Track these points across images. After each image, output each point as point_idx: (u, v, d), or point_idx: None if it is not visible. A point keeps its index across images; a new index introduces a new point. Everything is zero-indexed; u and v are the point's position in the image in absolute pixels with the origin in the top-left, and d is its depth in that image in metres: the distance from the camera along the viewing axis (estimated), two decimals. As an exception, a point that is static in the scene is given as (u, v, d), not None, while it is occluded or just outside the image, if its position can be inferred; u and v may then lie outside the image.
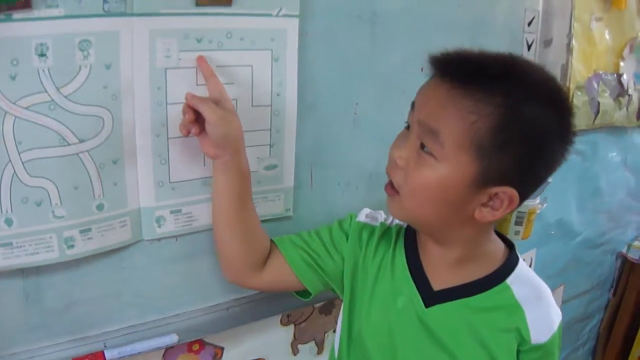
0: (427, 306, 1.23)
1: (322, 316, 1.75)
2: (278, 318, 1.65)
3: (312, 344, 1.78)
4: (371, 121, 1.55)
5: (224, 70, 1.25)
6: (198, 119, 1.18)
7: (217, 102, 1.20)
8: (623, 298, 3.34)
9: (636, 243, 3.18)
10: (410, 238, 1.30)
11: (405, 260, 1.28)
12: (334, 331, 1.74)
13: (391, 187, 1.17)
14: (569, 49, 2.15)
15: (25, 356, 1.22)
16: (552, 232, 2.56)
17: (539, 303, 1.23)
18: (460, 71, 1.06)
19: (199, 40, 1.19)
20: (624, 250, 3.19)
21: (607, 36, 2.36)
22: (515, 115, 1.02)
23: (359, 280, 1.33)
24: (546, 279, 1.30)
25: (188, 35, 1.18)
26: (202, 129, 1.19)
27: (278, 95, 1.34)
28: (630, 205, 3.09)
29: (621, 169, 2.88)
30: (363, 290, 1.32)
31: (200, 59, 1.21)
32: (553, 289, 2.59)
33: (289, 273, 1.34)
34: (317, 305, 1.70)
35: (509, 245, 1.27)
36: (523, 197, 1.11)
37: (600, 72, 2.37)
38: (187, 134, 1.20)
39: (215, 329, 1.46)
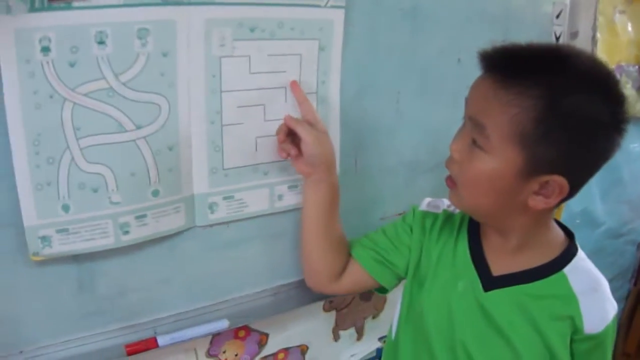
0: (485, 290, 1.24)
1: (362, 302, 1.76)
2: (321, 304, 1.66)
3: (352, 330, 1.79)
4: (412, 110, 1.55)
5: (275, 59, 1.25)
6: (293, 140, 1.27)
7: (311, 124, 1.27)
8: (644, 288, 3.34)
9: None
10: (473, 225, 1.31)
11: (467, 246, 1.29)
12: (373, 317, 1.76)
13: (450, 180, 1.19)
14: (594, 41, 2.15)
15: (78, 344, 1.22)
16: (578, 221, 2.55)
17: (595, 294, 1.21)
18: (503, 65, 1.07)
19: (252, 30, 1.19)
20: (645, 241, 3.17)
21: (629, 28, 2.35)
22: (556, 106, 1.02)
23: (422, 263, 1.35)
24: (570, 267, 1.24)
25: (242, 24, 1.17)
26: (298, 151, 1.26)
27: (323, 82, 1.34)
28: (652, 196, 3.07)
29: (643, 159, 2.85)
30: (426, 272, 1.33)
31: (294, 85, 1.29)
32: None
33: (364, 274, 1.38)
34: (359, 291, 1.70)
35: (569, 235, 1.27)
36: (576, 185, 1.10)
37: (623, 64, 2.37)
38: (287, 156, 1.28)
39: (263, 314, 1.47)
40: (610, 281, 3.04)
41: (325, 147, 1.28)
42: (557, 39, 1.94)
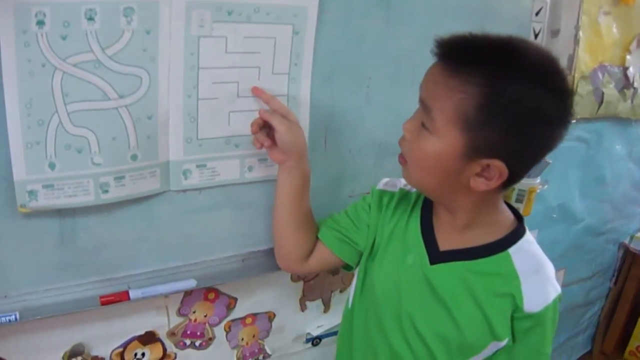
0: (432, 264, 1.36)
1: (329, 276, 1.89)
2: (289, 274, 1.79)
3: (319, 302, 1.92)
4: (382, 95, 1.67)
5: (250, 41, 1.38)
6: (268, 133, 1.40)
7: (283, 116, 1.40)
8: (624, 288, 3.44)
9: (639, 234, 3.26)
10: (427, 203, 1.44)
11: (419, 221, 1.42)
12: (340, 291, 1.90)
13: (402, 157, 1.32)
14: (576, 40, 2.25)
15: (57, 293, 1.35)
16: (555, 216, 2.66)
17: (537, 275, 1.31)
18: (452, 53, 1.18)
19: (229, 13, 1.32)
20: (627, 241, 3.28)
21: (614, 30, 2.45)
22: (499, 94, 1.11)
23: (377, 236, 1.49)
24: (546, 260, 1.38)
25: (221, 7, 1.30)
26: (272, 142, 1.40)
27: (296, 65, 1.47)
28: (635, 197, 3.17)
29: (626, 160, 2.96)
30: (379, 245, 1.48)
31: (255, 90, 1.43)
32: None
33: (329, 253, 1.53)
34: (325, 265, 1.83)
35: (519, 218, 1.38)
36: (516, 172, 1.21)
37: (606, 64, 2.47)
38: (261, 147, 1.41)
39: (231, 278, 1.60)
40: (589, 279, 3.16)
41: (297, 136, 1.41)
42: (536, 36, 2.06)
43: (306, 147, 1.46)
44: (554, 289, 1.32)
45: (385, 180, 1.56)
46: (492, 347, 1.35)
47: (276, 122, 1.37)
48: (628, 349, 3.59)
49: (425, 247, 1.38)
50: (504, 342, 1.33)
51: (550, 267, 1.34)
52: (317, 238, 1.54)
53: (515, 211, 1.40)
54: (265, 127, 1.41)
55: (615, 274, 3.41)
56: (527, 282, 1.29)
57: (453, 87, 1.15)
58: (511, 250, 1.32)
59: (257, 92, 1.43)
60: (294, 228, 1.50)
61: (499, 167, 1.17)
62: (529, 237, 1.36)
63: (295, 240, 1.51)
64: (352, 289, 1.58)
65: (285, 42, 1.44)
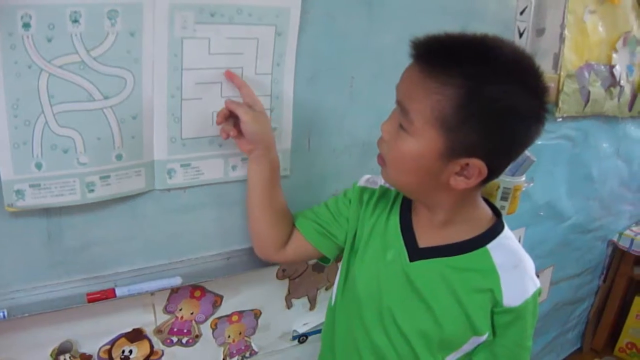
0: (411, 260, 1.39)
1: (315, 273, 1.92)
2: (274, 271, 1.82)
3: (305, 300, 1.95)
4: (366, 94, 1.71)
5: (233, 42, 1.41)
6: (236, 122, 1.42)
7: (250, 106, 1.43)
8: (613, 285, 3.49)
9: (627, 232, 3.30)
10: (406, 200, 1.47)
11: (398, 219, 1.45)
12: (326, 289, 1.92)
13: (380, 158, 1.34)
14: (562, 39, 2.29)
15: (45, 290, 1.38)
16: (542, 214, 2.70)
17: (516, 270, 1.33)
18: (428, 54, 1.19)
19: (212, 15, 1.35)
20: (615, 238, 3.32)
21: (600, 29, 2.50)
22: (475, 95, 1.13)
23: (358, 233, 1.52)
24: (535, 258, 1.40)
25: (203, 9, 1.34)
26: (239, 132, 1.42)
27: (278, 65, 1.51)
28: (623, 194, 3.22)
29: (614, 158, 3.00)
30: (359, 242, 1.51)
31: (229, 74, 1.44)
32: (542, 269, 2.75)
33: (306, 244, 1.56)
34: (311, 262, 1.87)
35: (498, 215, 1.41)
36: (495, 170, 1.24)
37: (592, 63, 2.51)
38: (227, 137, 1.43)
39: (216, 276, 1.62)
40: (578, 276, 3.20)
41: (263, 125, 1.44)
42: (521, 35, 2.09)
43: (273, 136, 1.48)
44: (533, 284, 1.35)
45: (367, 177, 1.59)
46: (472, 342, 1.39)
47: (241, 112, 1.39)
48: (618, 345, 3.63)
49: (405, 244, 1.41)
50: (484, 337, 1.37)
51: (529, 262, 1.37)
52: (294, 228, 1.58)
53: (493, 207, 1.43)
54: (232, 117, 1.43)
55: (604, 271, 3.45)
56: (505, 277, 1.32)
57: (430, 89, 1.16)
58: (490, 246, 1.35)
59: (230, 76, 1.44)
60: (267, 217, 1.52)
61: (478, 166, 1.20)
62: (507, 233, 1.39)
63: (269, 228, 1.54)
64: (334, 286, 1.62)
65: (268, 42, 1.47)
